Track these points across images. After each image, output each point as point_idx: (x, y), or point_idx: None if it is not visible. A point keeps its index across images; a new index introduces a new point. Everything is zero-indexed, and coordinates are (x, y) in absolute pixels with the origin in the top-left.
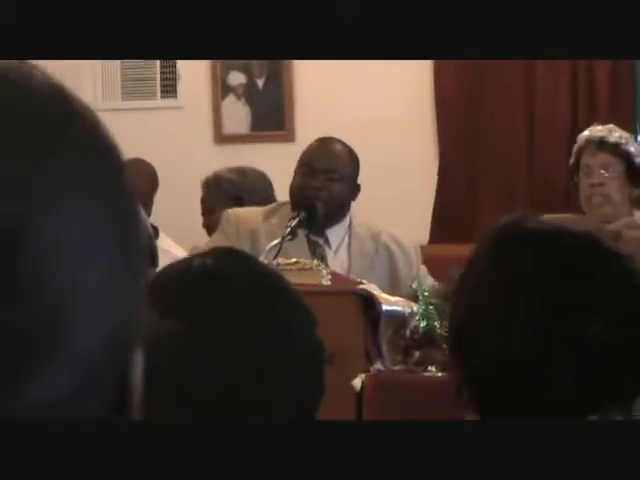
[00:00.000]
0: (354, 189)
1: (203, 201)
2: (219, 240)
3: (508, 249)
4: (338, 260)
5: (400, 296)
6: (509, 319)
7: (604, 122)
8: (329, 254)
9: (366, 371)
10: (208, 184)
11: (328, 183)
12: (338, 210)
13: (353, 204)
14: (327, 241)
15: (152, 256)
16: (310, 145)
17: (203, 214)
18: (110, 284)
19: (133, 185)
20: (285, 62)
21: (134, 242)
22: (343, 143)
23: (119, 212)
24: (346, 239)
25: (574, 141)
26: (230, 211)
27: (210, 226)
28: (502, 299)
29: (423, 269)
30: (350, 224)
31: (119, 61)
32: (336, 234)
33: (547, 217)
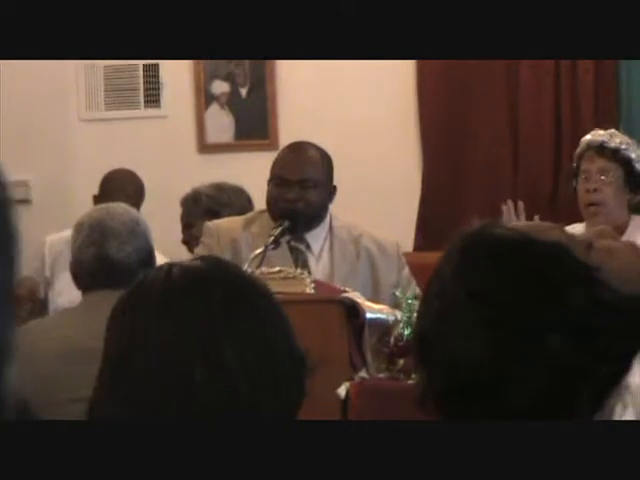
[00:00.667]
0: (331, 191)
1: (182, 218)
2: (202, 252)
3: (474, 257)
4: (321, 265)
5: (382, 300)
6: (473, 328)
7: (588, 127)
8: (311, 259)
9: (351, 379)
10: (187, 201)
11: (304, 193)
12: (317, 216)
13: (337, 211)
14: (309, 247)
15: (150, 262)
16: (280, 154)
17: (183, 231)
18: None
19: (6, 201)
20: (268, 71)
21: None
22: (314, 146)
23: None
24: (327, 243)
25: (558, 148)
26: (210, 223)
27: (189, 241)
28: (467, 307)
29: (406, 271)
30: (330, 226)
31: (102, 71)
32: (317, 238)
33: (517, 225)
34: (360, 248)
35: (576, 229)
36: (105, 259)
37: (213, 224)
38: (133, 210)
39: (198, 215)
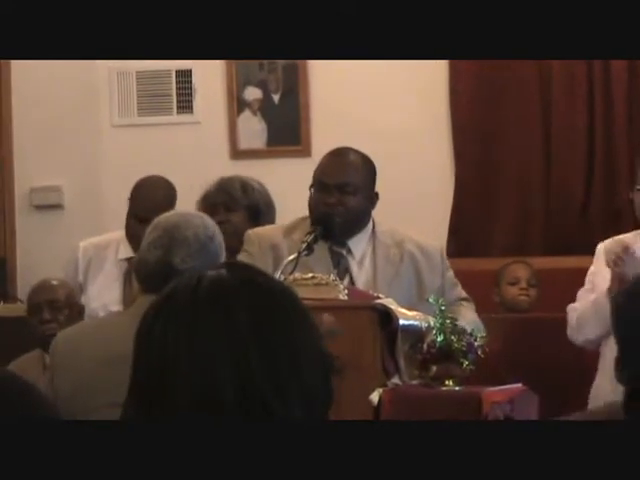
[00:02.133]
0: (371, 198)
1: (211, 198)
2: (244, 261)
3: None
4: (363, 270)
5: (428, 306)
6: None
7: (621, 132)
8: (353, 265)
9: (383, 385)
10: (232, 185)
11: (342, 198)
12: (356, 221)
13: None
14: (350, 252)
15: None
16: (322, 159)
17: (212, 212)
18: None
19: None
20: (301, 77)
21: None
22: (356, 152)
23: None
24: (370, 248)
25: (591, 155)
26: (250, 232)
27: (222, 224)
28: None
29: (450, 274)
30: (373, 232)
31: (135, 77)
32: (359, 243)
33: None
34: (403, 252)
35: (628, 238)
36: (167, 266)
37: (253, 233)
38: (213, 225)
39: (241, 205)
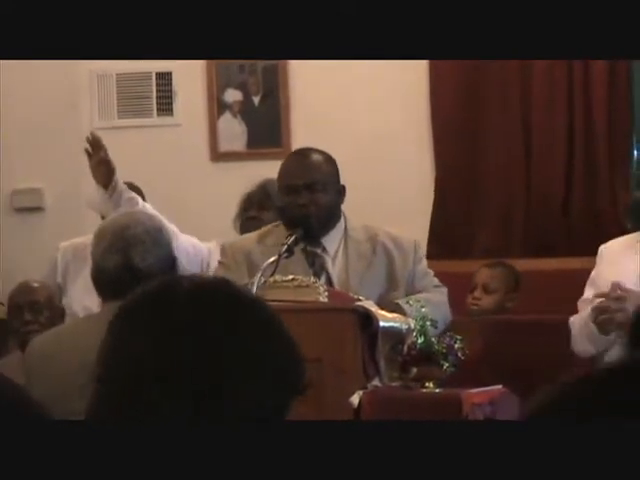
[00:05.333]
0: (340, 192)
1: (253, 194)
2: (220, 272)
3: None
4: (337, 264)
5: (398, 295)
6: None
7: (601, 136)
8: (329, 262)
9: (364, 387)
10: (272, 186)
11: (313, 197)
12: (330, 217)
13: (350, 216)
14: (325, 250)
15: (172, 271)
16: (284, 164)
17: (247, 205)
18: None
19: None
20: (281, 79)
21: None
22: (315, 150)
23: None
24: (342, 244)
25: (571, 157)
26: (225, 243)
27: (251, 219)
28: None
29: (423, 265)
30: (345, 228)
31: (115, 79)
32: (332, 240)
33: None
34: (376, 244)
35: (618, 242)
36: (129, 268)
37: (228, 244)
38: (157, 218)
39: (275, 205)
